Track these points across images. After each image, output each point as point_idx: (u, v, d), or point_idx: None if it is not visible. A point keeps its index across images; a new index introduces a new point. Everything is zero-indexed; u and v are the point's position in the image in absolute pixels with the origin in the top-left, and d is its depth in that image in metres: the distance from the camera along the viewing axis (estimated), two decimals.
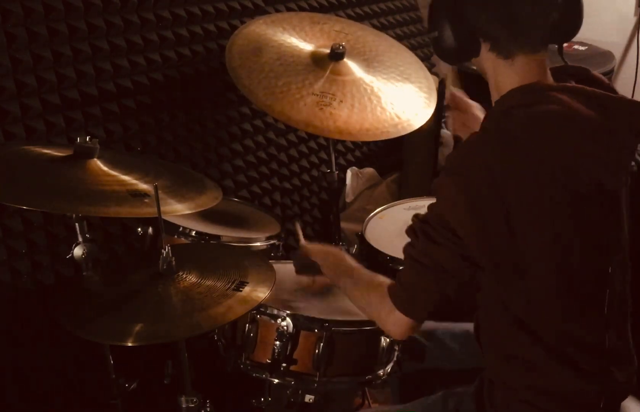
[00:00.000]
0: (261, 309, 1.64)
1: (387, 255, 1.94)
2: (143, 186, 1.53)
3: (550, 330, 1.32)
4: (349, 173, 3.05)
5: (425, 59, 3.39)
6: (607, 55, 3.19)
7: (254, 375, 1.66)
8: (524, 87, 1.31)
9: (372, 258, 1.97)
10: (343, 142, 3.02)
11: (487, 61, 1.36)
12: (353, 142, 3.10)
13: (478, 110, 1.72)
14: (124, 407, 1.71)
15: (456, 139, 1.89)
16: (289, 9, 2.59)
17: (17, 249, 1.91)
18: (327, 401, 1.78)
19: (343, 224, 2.63)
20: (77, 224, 1.58)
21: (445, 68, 3.27)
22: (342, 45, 2.14)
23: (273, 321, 1.63)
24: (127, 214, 1.49)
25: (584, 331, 1.33)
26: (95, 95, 2.03)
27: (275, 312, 1.64)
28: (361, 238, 2.07)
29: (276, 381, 1.64)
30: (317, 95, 2.03)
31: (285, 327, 1.61)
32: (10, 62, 1.82)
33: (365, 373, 1.70)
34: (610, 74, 3.10)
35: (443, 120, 3.36)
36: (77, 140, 1.56)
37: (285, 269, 1.91)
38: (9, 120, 1.85)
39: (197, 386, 1.58)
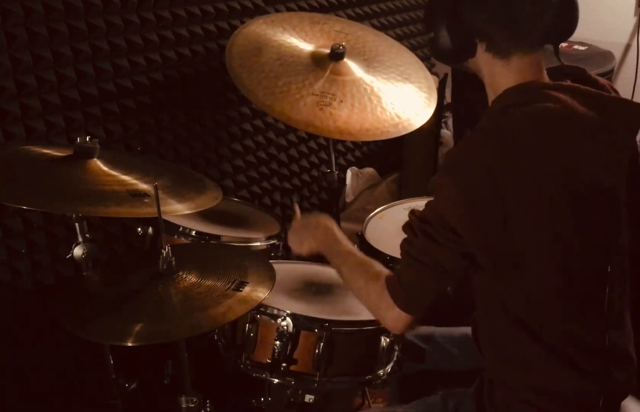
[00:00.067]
0: (261, 309, 1.64)
1: (387, 255, 1.94)
2: (143, 186, 1.53)
3: (550, 330, 1.32)
4: (349, 173, 3.05)
5: (425, 59, 3.39)
6: (607, 55, 3.19)
7: (254, 375, 1.66)
8: (520, 86, 1.32)
9: (372, 258, 1.97)
10: (343, 142, 3.02)
11: (484, 62, 1.36)
12: (353, 142, 3.10)
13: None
14: (124, 407, 1.71)
15: (456, 139, 1.89)
16: (289, 9, 2.59)
17: (17, 249, 1.91)
18: (327, 401, 1.78)
19: (343, 224, 2.63)
20: (77, 224, 1.58)
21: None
22: (342, 45, 2.14)
23: (273, 321, 1.63)
24: (127, 214, 1.49)
25: (584, 331, 1.33)
26: (95, 95, 2.03)
27: (275, 312, 1.64)
28: (361, 238, 2.06)
29: (276, 381, 1.64)
30: (317, 95, 2.03)
31: (285, 327, 1.61)
32: (10, 62, 1.82)
33: (365, 373, 1.70)
34: (610, 74, 3.11)
35: (443, 120, 3.37)
36: (77, 140, 1.56)
37: (285, 269, 1.91)
38: (9, 120, 1.85)
39: (197, 386, 1.58)
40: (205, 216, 1.98)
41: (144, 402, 1.79)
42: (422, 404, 1.54)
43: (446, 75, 3.18)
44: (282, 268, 1.87)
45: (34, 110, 1.89)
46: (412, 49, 2.75)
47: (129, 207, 1.46)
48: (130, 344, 1.33)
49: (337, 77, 2.10)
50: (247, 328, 1.66)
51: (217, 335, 1.75)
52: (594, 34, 3.06)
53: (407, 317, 1.39)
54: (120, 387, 1.70)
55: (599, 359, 1.34)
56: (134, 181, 1.54)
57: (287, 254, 2.06)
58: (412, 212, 1.38)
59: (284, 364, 1.63)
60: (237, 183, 2.55)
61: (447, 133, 3.40)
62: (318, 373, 1.62)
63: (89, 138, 1.56)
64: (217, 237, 1.94)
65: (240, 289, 1.50)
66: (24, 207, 1.68)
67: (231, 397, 1.86)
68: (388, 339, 1.68)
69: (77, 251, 1.59)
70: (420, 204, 2.21)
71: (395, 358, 1.72)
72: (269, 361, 1.63)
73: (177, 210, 1.58)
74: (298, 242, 1.70)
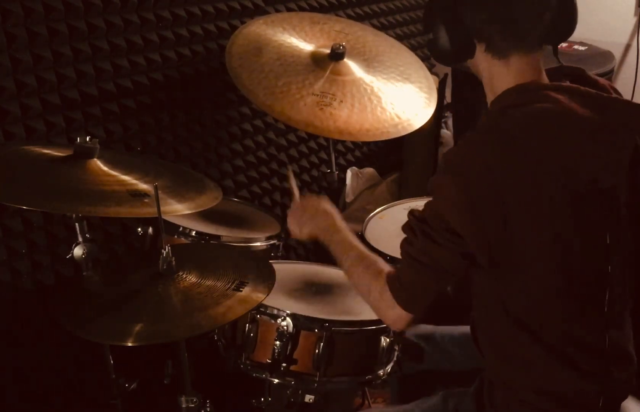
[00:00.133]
0: (261, 309, 1.64)
1: (387, 255, 1.93)
2: (143, 186, 1.53)
3: (550, 330, 1.32)
4: (349, 173, 3.05)
5: (426, 59, 3.38)
6: (607, 55, 3.19)
7: (254, 375, 1.66)
8: (519, 87, 1.32)
9: None
10: (343, 142, 3.02)
11: (483, 62, 1.36)
12: (353, 142, 3.10)
13: None
14: (124, 407, 1.71)
15: (456, 139, 1.89)
16: (289, 9, 2.59)
17: (17, 249, 1.91)
18: (327, 401, 1.78)
19: None
20: (77, 224, 1.58)
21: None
22: (342, 45, 2.14)
23: (273, 321, 1.63)
24: (127, 214, 1.49)
25: (584, 331, 1.33)
26: (95, 95, 2.03)
27: (275, 312, 1.64)
28: (361, 238, 2.06)
29: (276, 381, 1.64)
30: (317, 95, 2.03)
31: (285, 327, 1.61)
32: (10, 62, 1.82)
33: (365, 373, 1.70)
34: (610, 74, 3.11)
35: (443, 120, 3.37)
36: (77, 140, 1.56)
37: (285, 269, 1.91)
38: (9, 120, 1.84)
39: (197, 386, 1.58)
40: (205, 216, 1.98)
41: (144, 402, 1.79)
42: (422, 404, 1.54)
43: (446, 75, 3.18)
44: (282, 268, 1.87)
45: (34, 110, 1.89)
46: (412, 49, 2.75)
47: (129, 207, 1.46)
48: (130, 344, 1.33)
49: (337, 77, 2.10)
50: (247, 328, 1.66)
51: (217, 335, 1.75)
52: (594, 34, 3.06)
53: (408, 316, 1.39)
54: (120, 387, 1.69)
55: (599, 359, 1.34)
56: (134, 181, 1.54)
57: (287, 254, 2.06)
58: (412, 213, 1.38)
59: (284, 364, 1.63)
60: (237, 183, 2.55)
61: (447, 133, 3.40)
62: (318, 373, 1.62)
63: (89, 138, 1.56)
64: (217, 237, 1.94)
65: (240, 289, 1.50)
66: (24, 207, 1.68)
67: (231, 397, 1.86)
68: (388, 339, 1.68)
69: (77, 251, 1.59)
70: (420, 204, 2.20)
71: (395, 358, 1.72)
72: (269, 361, 1.63)
73: (177, 210, 1.58)
74: (297, 226, 1.68)
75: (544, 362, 1.33)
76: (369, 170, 3.13)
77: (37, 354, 1.98)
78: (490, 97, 1.38)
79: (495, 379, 1.42)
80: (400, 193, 3.12)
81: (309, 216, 1.65)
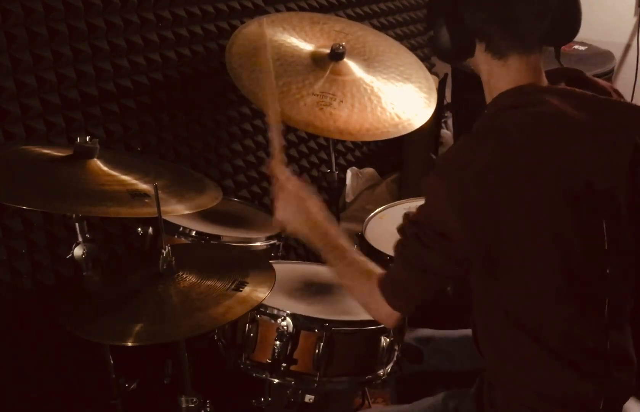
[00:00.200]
0: (261, 309, 1.64)
1: (387, 255, 1.94)
2: (143, 186, 1.53)
3: (550, 331, 1.32)
4: (349, 173, 3.05)
5: (425, 59, 3.39)
6: (607, 55, 3.19)
7: (254, 375, 1.66)
8: (515, 89, 1.32)
9: (372, 258, 1.97)
10: (343, 142, 3.02)
11: (482, 62, 1.36)
12: (353, 142, 3.10)
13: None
14: (124, 407, 1.71)
15: (456, 139, 1.89)
16: (289, 9, 2.59)
17: (17, 249, 1.91)
18: (327, 401, 1.78)
19: (343, 224, 2.63)
20: (77, 224, 1.58)
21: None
22: (342, 45, 2.14)
23: (273, 321, 1.63)
24: (127, 214, 1.49)
25: (584, 332, 1.33)
26: (95, 95, 2.03)
27: (275, 312, 1.64)
28: (361, 238, 2.07)
29: (276, 381, 1.64)
30: (317, 95, 2.03)
31: (285, 327, 1.61)
32: (10, 62, 1.82)
33: (365, 373, 1.70)
34: (610, 74, 3.11)
35: (443, 120, 3.37)
36: (77, 140, 1.56)
37: (285, 269, 1.91)
38: (9, 120, 1.85)
39: (197, 386, 1.58)
40: (205, 216, 1.98)
41: (144, 402, 1.79)
42: (422, 404, 1.54)
43: (446, 75, 3.18)
44: (282, 268, 1.87)
45: (34, 110, 1.89)
46: (412, 49, 2.75)
47: (129, 207, 1.46)
48: (130, 344, 1.33)
49: (337, 77, 2.10)
50: (247, 328, 1.66)
51: (217, 335, 1.75)
52: (594, 34, 3.06)
53: (397, 314, 1.41)
54: (120, 387, 1.70)
55: (599, 360, 1.34)
56: (134, 181, 1.54)
57: (287, 254, 2.06)
58: (406, 215, 1.39)
59: (284, 364, 1.63)
60: (237, 183, 2.55)
61: (447, 133, 3.40)
62: (318, 373, 1.62)
63: (89, 138, 1.56)
64: (217, 237, 1.93)
65: (240, 289, 1.50)
66: (24, 207, 1.68)
67: (231, 397, 1.86)
68: (388, 339, 1.68)
69: (77, 251, 1.59)
70: (419, 204, 2.22)
71: (395, 358, 1.72)
72: (269, 361, 1.63)
73: (177, 210, 1.58)
74: (285, 218, 1.61)
75: (544, 363, 1.33)
76: (369, 170, 3.13)
77: (37, 354, 1.98)
78: (488, 99, 1.38)
79: (496, 379, 1.42)
80: (400, 193, 3.12)
81: (294, 209, 1.58)
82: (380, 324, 1.65)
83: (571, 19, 1.35)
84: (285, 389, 1.67)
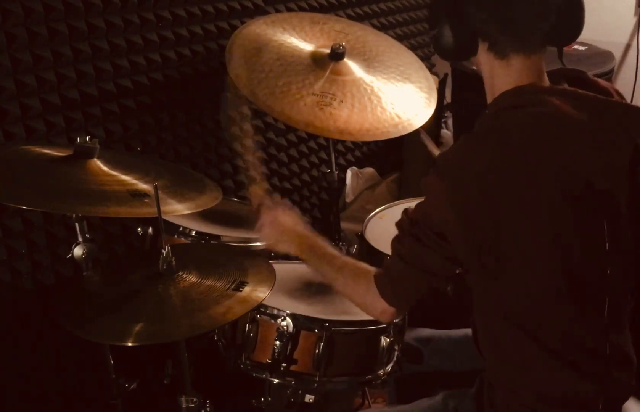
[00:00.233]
0: (261, 309, 1.64)
1: (387, 255, 1.93)
2: (143, 186, 1.53)
3: (550, 331, 1.32)
4: (349, 173, 3.05)
5: (425, 59, 3.39)
6: (607, 55, 3.19)
7: (254, 375, 1.66)
8: (516, 89, 1.32)
9: (372, 258, 1.97)
10: (343, 142, 3.02)
11: (485, 61, 1.36)
12: (353, 142, 3.10)
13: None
14: (124, 407, 1.71)
15: (456, 139, 1.89)
16: (289, 9, 2.59)
17: (17, 249, 1.91)
18: (327, 401, 1.78)
19: (343, 224, 2.63)
20: (77, 224, 1.58)
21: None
22: (342, 45, 2.14)
23: (273, 321, 1.63)
24: (127, 214, 1.49)
25: (584, 332, 1.33)
26: (95, 95, 2.03)
27: (275, 312, 1.64)
28: (361, 238, 2.06)
29: (276, 381, 1.64)
30: (317, 95, 2.03)
31: (285, 327, 1.61)
32: (10, 62, 1.82)
33: (365, 373, 1.70)
34: (610, 74, 3.11)
35: (443, 120, 3.37)
36: (77, 140, 1.56)
37: (285, 269, 1.91)
38: (9, 120, 1.85)
39: (197, 386, 1.58)
40: (205, 216, 1.98)
41: (144, 402, 1.79)
42: (422, 405, 1.54)
43: (446, 75, 3.18)
44: (282, 268, 1.87)
45: (34, 110, 1.89)
46: (413, 49, 2.75)
47: (129, 207, 1.46)
48: (130, 344, 1.33)
49: (337, 77, 2.10)
50: (247, 328, 1.66)
51: (217, 335, 1.75)
52: (594, 34, 3.05)
53: (393, 309, 1.43)
54: (120, 387, 1.70)
55: (599, 360, 1.34)
56: (134, 181, 1.54)
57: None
58: (405, 211, 1.39)
59: (284, 364, 1.63)
60: (237, 183, 2.55)
61: (447, 133, 3.40)
62: (318, 373, 1.62)
63: (89, 138, 1.56)
64: (217, 237, 1.93)
65: (240, 289, 1.50)
66: (24, 207, 1.68)
67: (231, 397, 1.86)
68: (388, 339, 1.68)
69: (77, 251, 1.59)
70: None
71: (395, 358, 1.72)
72: (269, 361, 1.63)
73: (177, 210, 1.58)
74: (272, 243, 1.67)
75: (543, 363, 1.33)
76: (369, 170, 3.13)
77: (37, 354, 1.98)
78: (489, 98, 1.38)
79: (496, 380, 1.42)
80: (400, 193, 3.12)
81: (277, 234, 1.65)
82: (381, 324, 1.65)
83: (574, 19, 1.35)
84: (285, 389, 1.67)
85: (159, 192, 1.41)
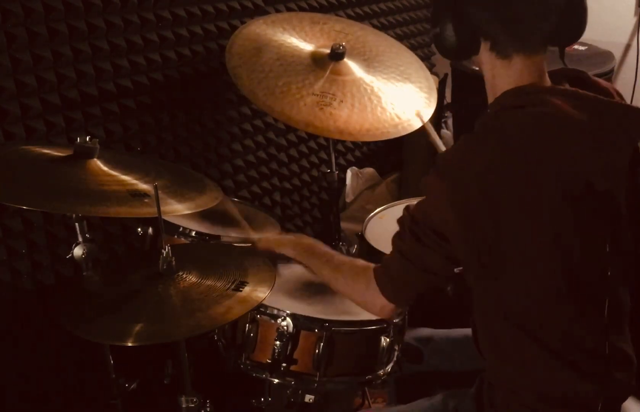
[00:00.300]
0: (261, 309, 1.64)
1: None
2: (143, 186, 1.53)
3: (550, 331, 1.32)
4: (349, 173, 3.05)
5: (425, 59, 3.39)
6: (607, 56, 3.19)
7: (254, 375, 1.66)
8: (517, 89, 1.32)
9: (372, 258, 1.97)
10: (343, 142, 3.02)
11: (486, 61, 1.36)
12: (353, 142, 3.10)
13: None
14: (124, 407, 1.71)
15: (456, 139, 1.89)
16: (289, 9, 2.59)
17: (17, 249, 1.91)
18: (327, 401, 1.78)
19: (343, 224, 2.63)
20: (77, 224, 1.58)
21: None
22: (342, 45, 2.14)
23: (273, 321, 1.63)
24: (127, 214, 1.49)
25: (584, 332, 1.33)
26: (95, 95, 2.03)
27: (275, 312, 1.64)
28: (361, 238, 2.07)
29: (276, 381, 1.64)
30: (317, 95, 2.03)
31: (285, 327, 1.61)
32: (10, 62, 1.82)
33: (365, 373, 1.70)
34: (610, 74, 3.10)
35: (443, 120, 3.37)
36: (77, 140, 1.55)
37: (286, 269, 1.91)
38: (9, 120, 1.85)
39: (197, 386, 1.58)
40: (205, 216, 1.98)
41: (144, 402, 1.79)
42: (422, 405, 1.54)
43: (446, 75, 3.18)
44: (282, 268, 1.87)
45: (34, 110, 1.89)
46: (413, 49, 2.75)
47: (129, 207, 1.46)
48: (130, 344, 1.33)
49: (337, 77, 2.10)
50: (247, 328, 1.66)
51: (217, 335, 1.75)
52: (594, 34, 3.04)
53: (392, 306, 1.45)
54: (120, 387, 1.70)
55: (599, 360, 1.34)
56: (134, 181, 1.54)
57: None
58: (407, 208, 1.40)
59: (284, 364, 1.63)
60: (237, 183, 2.55)
61: (447, 133, 3.40)
62: (318, 373, 1.62)
63: (89, 138, 1.56)
64: (217, 237, 1.93)
65: (240, 289, 1.50)
66: (24, 207, 1.68)
67: (231, 397, 1.86)
68: (388, 339, 1.68)
69: (77, 251, 1.59)
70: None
71: (395, 358, 1.72)
72: (269, 361, 1.63)
73: (177, 210, 1.57)
74: (271, 245, 1.74)
75: (544, 363, 1.33)
76: (369, 170, 3.13)
77: (37, 354, 1.98)
78: (490, 98, 1.38)
79: (496, 380, 1.42)
80: (400, 193, 3.12)
81: (275, 239, 1.74)
82: (381, 324, 1.65)
83: (576, 19, 1.35)
84: (285, 389, 1.67)
85: (159, 192, 1.41)
